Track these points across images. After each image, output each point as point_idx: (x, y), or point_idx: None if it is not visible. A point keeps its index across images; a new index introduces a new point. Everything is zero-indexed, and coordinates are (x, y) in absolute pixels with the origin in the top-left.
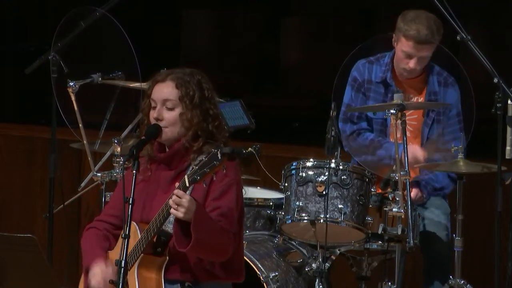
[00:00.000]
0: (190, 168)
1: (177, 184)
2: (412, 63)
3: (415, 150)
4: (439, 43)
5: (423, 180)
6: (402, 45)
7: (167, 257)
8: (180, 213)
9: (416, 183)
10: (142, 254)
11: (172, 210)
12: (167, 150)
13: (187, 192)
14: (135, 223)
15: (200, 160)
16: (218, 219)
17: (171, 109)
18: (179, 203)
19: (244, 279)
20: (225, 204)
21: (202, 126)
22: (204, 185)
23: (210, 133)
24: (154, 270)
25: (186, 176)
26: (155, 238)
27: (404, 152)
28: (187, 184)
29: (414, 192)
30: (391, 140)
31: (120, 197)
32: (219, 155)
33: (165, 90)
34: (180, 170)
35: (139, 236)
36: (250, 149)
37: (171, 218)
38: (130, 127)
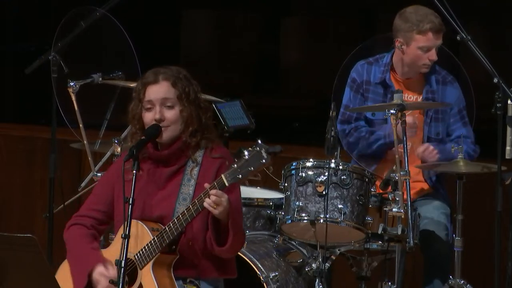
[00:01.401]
0: (191, 164)
1: (206, 184)
2: (434, 55)
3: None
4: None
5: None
6: (418, 42)
7: (178, 255)
8: (217, 211)
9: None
10: (159, 253)
11: (211, 209)
12: (159, 148)
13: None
14: (140, 221)
15: (241, 159)
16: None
17: (170, 108)
18: (219, 202)
19: (238, 278)
20: (233, 200)
21: (197, 121)
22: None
23: (205, 125)
24: (167, 268)
25: (223, 176)
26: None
27: (404, 152)
28: (226, 184)
29: (424, 146)
30: None
31: (108, 191)
32: (264, 154)
33: (162, 90)
34: (179, 166)
35: (150, 235)
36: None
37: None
38: (130, 127)
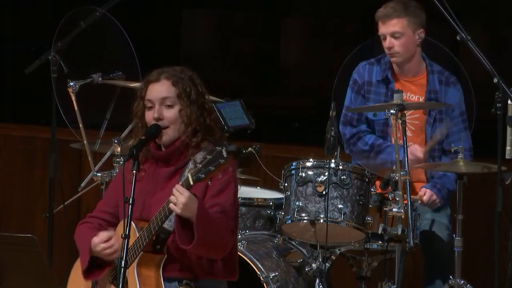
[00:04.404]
0: (190, 165)
1: (179, 183)
2: (387, 42)
3: (415, 148)
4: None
5: (438, 183)
6: (378, 31)
7: (166, 255)
8: (178, 209)
9: (430, 186)
10: (141, 253)
11: (171, 205)
12: (163, 148)
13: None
14: (132, 222)
15: (204, 158)
16: (217, 216)
17: (170, 107)
18: (178, 199)
19: (238, 278)
20: (223, 201)
21: (200, 121)
22: (209, 183)
23: (208, 127)
24: (153, 268)
25: (189, 174)
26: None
27: (404, 153)
28: (191, 183)
29: (428, 195)
30: (392, 140)
31: (114, 194)
32: (224, 153)
33: (162, 89)
34: (179, 166)
35: (137, 235)
36: (250, 149)
37: (171, 216)
38: (130, 127)
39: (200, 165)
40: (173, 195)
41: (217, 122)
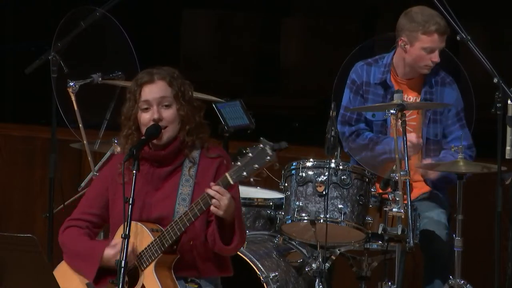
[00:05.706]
0: (187, 164)
1: (212, 184)
2: (437, 56)
3: (411, 136)
4: None
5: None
6: (423, 43)
7: (179, 255)
8: (221, 211)
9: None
10: (161, 254)
11: (212, 208)
12: (153, 148)
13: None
14: (139, 223)
15: (245, 157)
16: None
17: (168, 107)
18: (219, 200)
19: (238, 278)
20: (235, 196)
21: (193, 119)
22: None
23: (199, 124)
24: (168, 268)
25: (228, 174)
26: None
27: (404, 152)
28: (232, 182)
29: (413, 136)
30: None
31: (101, 193)
32: (268, 151)
33: (158, 89)
34: (175, 166)
35: (150, 236)
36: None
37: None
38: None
39: (240, 164)
40: (213, 197)
41: (203, 119)
